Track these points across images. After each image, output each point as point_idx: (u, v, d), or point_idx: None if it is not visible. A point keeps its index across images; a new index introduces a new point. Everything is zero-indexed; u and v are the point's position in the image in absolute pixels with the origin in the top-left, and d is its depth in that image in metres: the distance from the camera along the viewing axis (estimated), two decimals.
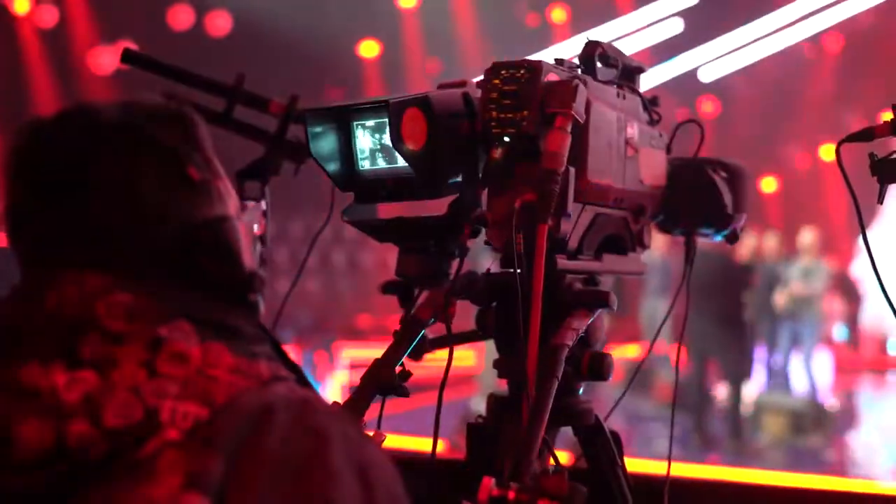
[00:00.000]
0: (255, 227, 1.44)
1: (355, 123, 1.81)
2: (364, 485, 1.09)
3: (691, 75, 15.23)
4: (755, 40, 14.74)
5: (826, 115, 15.23)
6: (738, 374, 9.03)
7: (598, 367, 1.83)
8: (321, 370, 10.88)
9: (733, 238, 2.11)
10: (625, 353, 10.35)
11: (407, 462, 1.30)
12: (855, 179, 1.81)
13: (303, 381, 1.22)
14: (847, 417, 10.68)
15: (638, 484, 1.93)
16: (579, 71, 1.85)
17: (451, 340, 1.73)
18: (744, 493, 2.61)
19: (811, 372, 10.39)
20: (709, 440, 8.89)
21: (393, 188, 1.83)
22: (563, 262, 1.79)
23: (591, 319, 1.78)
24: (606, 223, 1.87)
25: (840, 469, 8.49)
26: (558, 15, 15.16)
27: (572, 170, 1.70)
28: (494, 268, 1.84)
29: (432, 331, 1.87)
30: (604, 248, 1.88)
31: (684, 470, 6.15)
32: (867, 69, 14.66)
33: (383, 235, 1.92)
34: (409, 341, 1.77)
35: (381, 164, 1.81)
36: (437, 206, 1.80)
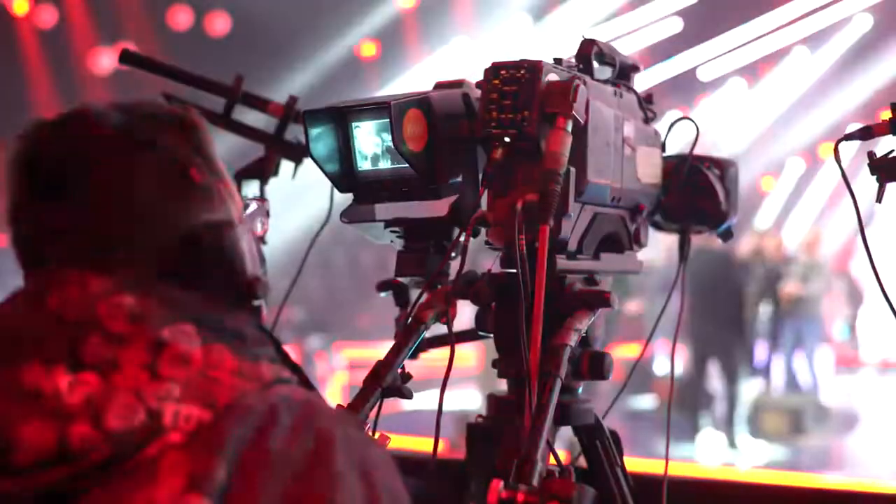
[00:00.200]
0: (259, 227, 1.44)
1: (354, 124, 1.80)
2: (366, 486, 1.09)
3: (690, 74, 15.23)
4: (755, 39, 14.73)
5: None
6: (738, 373, 9.03)
7: (598, 367, 1.83)
8: (321, 370, 10.89)
9: (728, 235, 2.11)
10: (630, 353, 10.36)
11: (408, 462, 1.30)
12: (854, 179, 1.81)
13: (305, 383, 1.22)
14: (847, 416, 10.68)
15: (638, 483, 1.94)
16: (577, 70, 1.85)
17: (452, 340, 1.72)
18: (744, 492, 2.61)
19: (812, 371, 10.40)
20: (708, 440, 8.89)
21: (392, 189, 1.82)
22: (563, 262, 1.79)
23: (592, 319, 1.78)
24: (605, 222, 1.87)
25: (840, 468, 8.49)
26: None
27: (573, 170, 1.70)
28: (495, 268, 1.84)
29: (430, 330, 1.87)
30: (602, 248, 1.88)
31: (682, 469, 6.15)
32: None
33: (383, 236, 1.92)
34: (410, 342, 1.77)
35: (380, 164, 1.81)
36: (437, 207, 1.80)
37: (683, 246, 2.09)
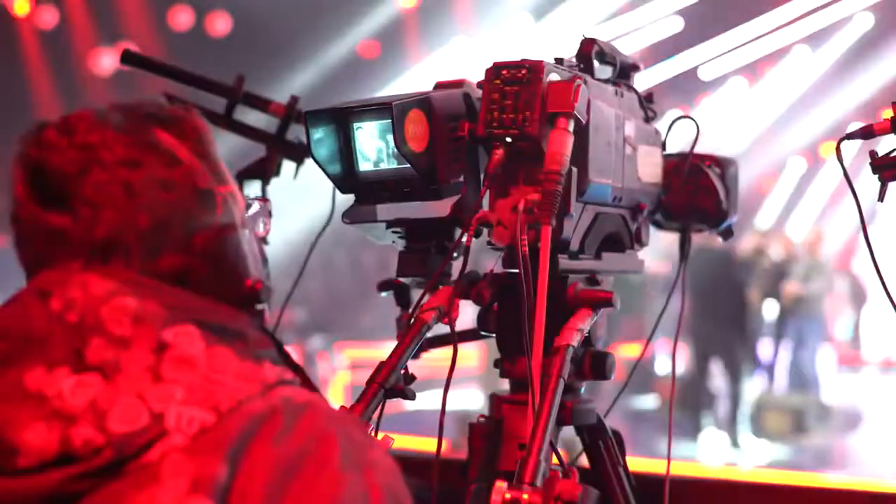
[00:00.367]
0: (261, 227, 1.44)
1: (355, 124, 1.80)
2: (368, 487, 1.09)
3: (692, 74, 15.22)
4: (756, 38, 14.72)
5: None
6: (740, 372, 9.03)
7: (600, 367, 1.83)
8: (323, 370, 10.90)
9: (728, 234, 2.11)
10: (631, 352, 10.37)
11: (410, 463, 1.30)
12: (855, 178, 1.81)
13: (307, 384, 1.22)
14: (850, 416, 10.68)
15: (640, 483, 1.94)
16: (578, 70, 1.84)
17: (455, 340, 1.72)
18: (745, 492, 2.61)
19: (814, 370, 10.39)
20: (710, 439, 8.89)
21: (394, 189, 1.82)
22: (565, 262, 1.79)
23: (595, 319, 1.78)
24: (606, 222, 1.87)
25: (843, 468, 8.49)
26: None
27: (574, 170, 1.70)
28: (497, 268, 1.84)
29: (432, 329, 1.86)
30: (603, 247, 1.88)
31: (684, 469, 6.15)
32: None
33: (385, 236, 1.92)
34: (413, 343, 1.77)
35: (382, 165, 1.81)
36: (439, 207, 1.80)
37: (684, 245, 2.09)
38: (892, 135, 1.76)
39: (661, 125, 2.03)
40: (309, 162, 2.04)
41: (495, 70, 1.71)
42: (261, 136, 2.40)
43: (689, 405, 8.86)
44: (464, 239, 1.70)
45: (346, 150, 1.82)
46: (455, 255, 1.82)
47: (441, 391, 1.65)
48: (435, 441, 1.70)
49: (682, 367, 9.25)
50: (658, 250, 9.60)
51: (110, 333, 1.11)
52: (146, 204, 1.19)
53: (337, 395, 10.36)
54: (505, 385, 1.91)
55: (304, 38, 13.24)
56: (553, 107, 1.66)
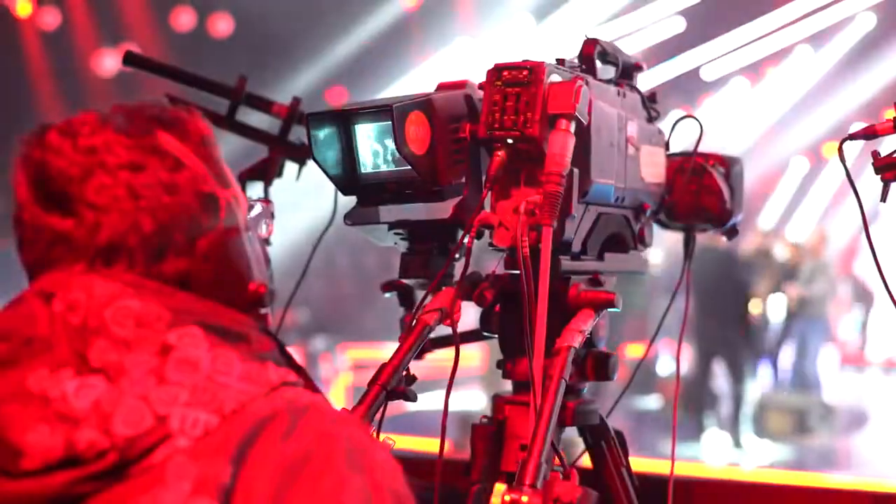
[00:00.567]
0: (263, 228, 1.44)
1: (357, 126, 1.80)
2: (371, 488, 1.09)
3: (694, 74, 15.21)
4: (758, 38, 14.72)
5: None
6: (743, 373, 9.02)
7: (603, 367, 1.83)
8: (325, 372, 10.90)
9: (733, 233, 2.11)
10: (634, 352, 10.36)
11: (413, 463, 1.30)
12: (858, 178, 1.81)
13: (310, 386, 1.22)
14: (853, 416, 10.67)
15: (641, 483, 1.94)
16: (580, 71, 1.84)
17: (457, 342, 1.72)
18: (748, 492, 2.61)
19: (817, 370, 10.39)
20: (713, 439, 8.88)
21: (395, 191, 1.82)
22: (567, 262, 1.79)
23: (597, 320, 1.78)
24: (609, 223, 1.87)
25: (845, 468, 8.48)
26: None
27: (576, 171, 1.70)
28: (498, 269, 1.84)
29: (436, 330, 1.86)
30: (606, 248, 1.88)
31: (687, 469, 6.15)
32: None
33: (387, 238, 1.92)
34: (415, 345, 1.77)
35: (383, 167, 1.81)
36: (441, 209, 1.80)
37: (688, 244, 2.09)
38: (895, 135, 1.76)
39: (663, 125, 2.03)
40: (311, 163, 2.04)
41: (496, 71, 1.71)
42: (263, 137, 2.40)
43: (691, 405, 8.85)
44: (465, 241, 1.70)
45: (348, 152, 1.82)
46: (457, 256, 1.83)
47: (443, 392, 1.66)
48: (437, 441, 1.70)
49: (685, 368, 9.25)
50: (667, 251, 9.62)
51: (114, 336, 1.11)
52: (149, 207, 1.19)
53: (339, 396, 10.35)
54: (508, 386, 1.91)
55: (307, 39, 13.24)
56: (554, 108, 1.66)
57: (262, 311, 1.30)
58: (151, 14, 13.81)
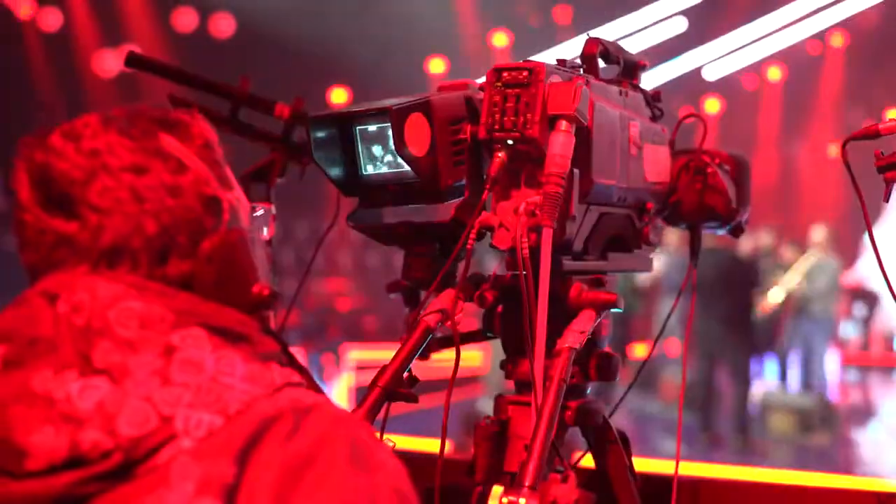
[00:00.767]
0: (265, 230, 1.44)
1: (358, 128, 1.80)
2: (375, 488, 1.09)
3: (696, 74, 15.22)
4: (759, 38, 14.72)
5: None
6: (746, 373, 9.02)
7: (606, 368, 1.83)
8: (328, 372, 10.90)
9: (738, 231, 2.11)
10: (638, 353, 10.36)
11: (416, 463, 1.30)
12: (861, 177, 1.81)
13: (313, 387, 1.22)
14: (854, 415, 10.66)
15: (645, 483, 1.94)
16: (581, 71, 1.84)
17: (458, 343, 1.72)
18: (751, 491, 2.60)
19: (819, 370, 10.38)
20: (716, 439, 8.88)
21: (397, 192, 1.83)
22: (568, 263, 1.79)
23: (598, 321, 1.78)
24: (611, 223, 1.87)
25: (847, 467, 8.48)
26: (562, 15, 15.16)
27: (576, 172, 1.70)
28: (500, 270, 1.84)
29: (441, 329, 1.86)
30: (609, 247, 1.88)
31: (691, 469, 6.15)
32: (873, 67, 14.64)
33: (389, 239, 1.92)
34: (417, 346, 1.77)
35: (384, 168, 1.81)
36: (443, 210, 1.80)
37: (694, 243, 2.09)
38: None
39: (667, 124, 2.03)
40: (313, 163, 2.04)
41: (496, 72, 1.71)
42: (266, 138, 2.40)
43: (695, 405, 8.85)
44: (466, 242, 1.70)
45: (350, 154, 1.83)
46: (459, 257, 1.82)
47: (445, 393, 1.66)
48: (439, 442, 1.70)
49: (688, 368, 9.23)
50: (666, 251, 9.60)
51: (118, 337, 1.12)
52: (153, 210, 1.19)
53: (342, 396, 10.35)
54: (511, 386, 1.91)
55: (308, 39, 13.25)
56: (554, 109, 1.66)
57: (266, 312, 1.30)
58: (153, 15, 13.82)
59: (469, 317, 1.84)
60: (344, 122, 1.81)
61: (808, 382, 10.44)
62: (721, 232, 2.11)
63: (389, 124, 1.73)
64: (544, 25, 15.15)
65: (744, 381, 8.99)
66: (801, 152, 17.03)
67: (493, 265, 1.86)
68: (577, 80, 1.68)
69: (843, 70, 15.62)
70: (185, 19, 14.03)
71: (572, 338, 1.71)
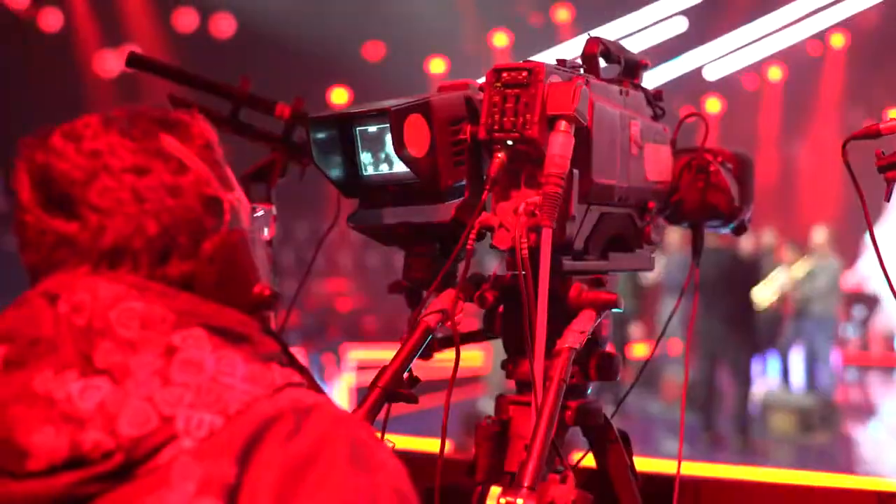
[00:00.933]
0: (265, 231, 1.44)
1: (358, 129, 1.80)
2: (376, 488, 1.10)
3: (696, 74, 15.22)
4: (760, 38, 14.73)
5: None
6: (748, 373, 9.02)
7: (606, 368, 1.83)
8: (328, 372, 10.90)
9: (741, 230, 2.10)
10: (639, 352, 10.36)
11: (415, 464, 1.30)
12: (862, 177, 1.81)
13: (314, 387, 1.22)
14: (855, 415, 10.66)
15: (647, 483, 1.93)
16: (582, 70, 1.84)
17: (458, 343, 1.72)
18: (752, 491, 2.60)
19: (821, 369, 10.38)
20: (717, 439, 8.88)
21: (397, 193, 1.82)
22: (568, 263, 1.79)
23: (598, 321, 1.78)
24: (612, 222, 1.87)
25: (848, 466, 8.48)
26: (562, 14, 15.17)
27: (576, 172, 1.70)
28: (500, 270, 1.84)
29: (442, 329, 1.86)
30: (610, 247, 1.88)
31: (693, 469, 6.14)
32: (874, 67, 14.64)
33: (389, 240, 1.91)
34: (417, 346, 1.77)
35: (384, 169, 1.81)
36: (443, 210, 1.80)
37: (696, 242, 2.08)
38: None
39: (667, 124, 2.03)
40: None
41: (496, 73, 1.71)
42: (266, 138, 2.40)
43: (696, 405, 8.85)
44: (465, 243, 1.70)
45: (350, 155, 1.82)
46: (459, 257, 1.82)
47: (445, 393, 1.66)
48: (439, 442, 1.70)
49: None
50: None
51: (119, 337, 1.12)
52: (154, 210, 1.19)
53: (342, 397, 10.35)
54: (512, 386, 1.91)
55: (309, 39, 13.25)
56: (553, 109, 1.66)
57: (266, 312, 1.30)
58: (153, 15, 13.82)
59: (470, 317, 1.84)
60: (344, 123, 1.81)
61: (809, 382, 10.45)
62: (724, 230, 2.10)
63: (387, 125, 1.73)
64: (544, 25, 15.16)
65: (745, 381, 8.99)
66: (802, 152, 17.03)
67: (493, 265, 1.85)
68: (576, 80, 1.68)
69: (843, 70, 15.62)
70: (186, 19, 14.03)
71: (572, 338, 1.71)
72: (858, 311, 14.25)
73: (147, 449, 1.06)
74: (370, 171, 1.82)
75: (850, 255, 12.96)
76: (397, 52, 14.79)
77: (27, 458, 1.07)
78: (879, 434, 10.12)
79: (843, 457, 9.01)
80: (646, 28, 14.40)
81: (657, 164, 1.95)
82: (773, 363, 11.42)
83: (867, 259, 13.54)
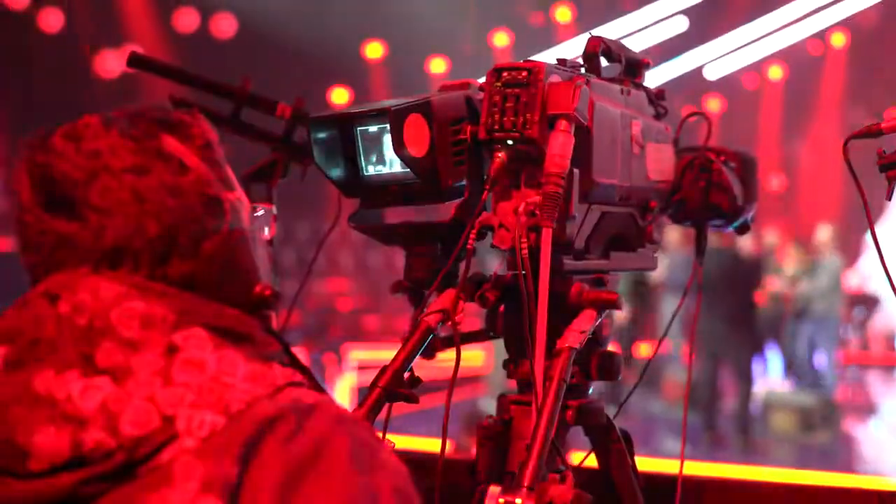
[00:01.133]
0: (266, 230, 1.44)
1: (358, 129, 1.80)
2: (378, 487, 1.10)
3: (697, 73, 15.22)
4: (760, 37, 14.72)
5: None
6: (749, 372, 9.02)
7: (608, 367, 1.83)
8: (329, 372, 10.90)
9: (744, 229, 2.10)
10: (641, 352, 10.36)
11: (416, 464, 1.30)
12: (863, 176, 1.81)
13: (315, 386, 1.22)
14: (856, 414, 10.66)
15: (649, 483, 1.93)
16: (582, 70, 1.84)
17: (459, 343, 1.72)
18: (754, 490, 2.60)
19: (822, 368, 10.38)
20: (719, 439, 8.88)
21: (398, 193, 1.82)
22: (569, 262, 1.79)
23: (599, 320, 1.78)
24: (613, 222, 1.86)
25: (849, 466, 8.48)
26: (563, 14, 15.16)
27: (576, 171, 1.70)
28: (501, 270, 1.83)
29: (445, 329, 1.86)
30: (612, 246, 1.88)
31: (695, 468, 6.15)
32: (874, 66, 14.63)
33: (390, 240, 1.91)
34: (417, 346, 1.77)
35: (385, 169, 1.81)
36: (444, 210, 1.80)
37: (700, 241, 2.08)
38: None
39: (670, 122, 2.03)
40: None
41: (496, 72, 1.71)
42: (267, 138, 2.40)
43: (698, 405, 8.85)
44: (466, 242, 1.70)
45: (350, 155, 1.82)
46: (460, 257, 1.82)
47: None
48: (439, 442, 1.70)
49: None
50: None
51: (120, 337, 1.12)
52: (154, 210, 1.19)
53: (343, 396, 10.36)
54: (514, 385, 1.91)
55: (310, 39, 13.25)
56: (553, 108, 1.66)
57: (267, 312, 1.30)
58: (154, 15, 13.82)
59: (471, 316, 1.84)
60: (344, 123, 1.81)
61: (811, 381, 10.44)
62: (727, 230, 2.10)
63: (387, 125, 1.73)
64: (544, 25, 15.16)
65: (747, 381, 8.99)
66: (802, 151, 17.02)
67: (495, 265, 1.85)
68: (576, 80, 1.68)
69: (844, 70, 15.62)
70: (187, 19, 14.02)
71: (573, 337, 1.71)
72: (858, 311, 14.25)
73: (148, 449, 1.06)
74: (371, 171, 1.82)
75: (850, 254, 12.96)
76: (397, 52, 14.79)
77: (29, 459, 1.07)
78: (880, 433, 10.12)
79: (844, 456, 9.01)
80: (646, 27, 14.39)
81: (659, 163, 1.95)
82: (774, 362, 11.42)
83: (868, 258, 13.53)
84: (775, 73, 16.09)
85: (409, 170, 1.75)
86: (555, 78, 1.69)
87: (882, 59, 14.56)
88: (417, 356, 1.76)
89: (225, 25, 14.14)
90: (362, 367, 10.67)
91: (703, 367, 8.94)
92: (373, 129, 1.79)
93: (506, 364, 1.88)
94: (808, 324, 10.47)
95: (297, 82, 12.30)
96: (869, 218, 1.80)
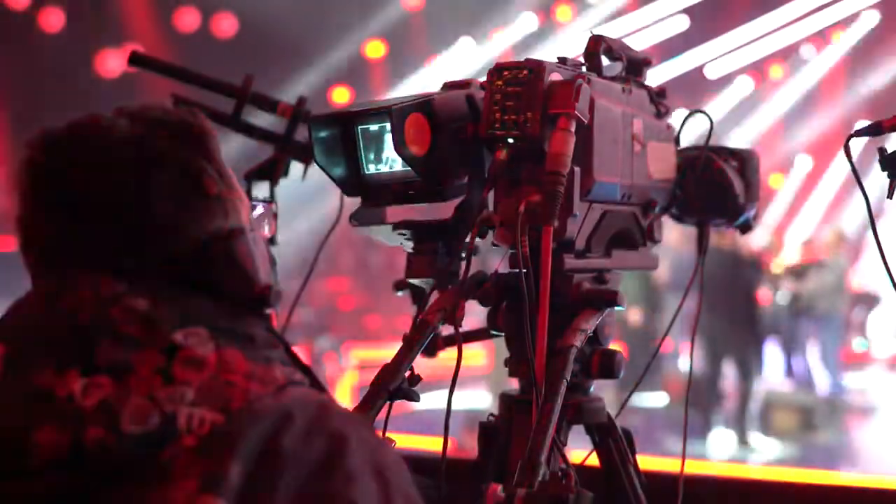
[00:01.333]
0: (266, 229, 1.44)
1: (359, 128, 1.80)
2: (380, 486, 1.10)
3: (697, 73, 15.21)
4: (761, 37, 14.71)
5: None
6: (751, 371, 9.02)
7: (608, 366, 1.83)
8: (331, 372, 10.91)
9: (747, 228, 2.10)
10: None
11: (417, 463, 1.30)
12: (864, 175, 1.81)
13: (316, 385, 1.22)
14: (858, 413, 10.66)
15: (650, 481, 1.93)
16: (583, 68, 1.84)
17: (460, 342, 1.72)
18: (755, 489, 2.60)
19: (823, 367, 10.38)
20: (720, 438, 8.88)
21: (399, 191, 1.82)
22: (570, 261, 1.79)
23: (600, 319, 1.78)
24: (615, 220, 1.86)
25: (851, 465, 8.49)
26: (563, 13, 15.15)
27: (577, 170, 1.70)
28: (502, 268, 1.83)
29: (447, 328, 1.86)
30: (613, 245, 1.88)
31: (696, 467, 6.15)
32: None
33: (392, 238, 1.91)
34: (418, 345, 1.76)
35: (386, 168, 1.81)
36: (446, 209, 1.80)
37: (701, 240, 2.08)
38: None
39: (672, 121, 2.02)
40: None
41: (497, 71, 1.71)
42: (269, 137, 2.40)
43: (698, 403, 8.85)
44: (467, 241, 1.70)
45: (351, 154, 1.82)
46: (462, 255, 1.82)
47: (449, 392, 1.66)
48: (441, 441, 1.70)
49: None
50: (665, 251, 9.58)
51: (120, 335, 1.12)
52: (155, 211, 1.20)
53: (345, 395, 10.37)
54: (515, 384, 1.91)
55: (311, 39, 13.24)
56: (554, 107, 1.66)
57: (268, 311, 1.30)
58: (155, 15, 13.82)
59: (474, 315, 1.84)
60: (345, 122, 1.81)
61: (811, 380, 10.44)
62: (729, 228, 2.10)
63: (388, 124, 1.73)
64: (545, 24, 15.14)
65: (748, 379, 8.98)
66: (802, 151, 17.01)
67: (495, 263, 1.85)
68: (577, 78, 1.68)
69: (844, 69, 15.60)
70: (188, 19, 14.02)
71: (573, 336, 1.71)
72: (859, 311, 14.25)
73: (149, 446, 1.06)
74: (372, 169, 1.82)
75: (850, 254, 12.96)
76: (397, 52, 14.78)
77: (28, 457, 1.07)
78: (882, 432, 10.12)
79: (845, 455, 9.01)
80: (647, 27, 14.38)
81: (660, 161, 1.95)
82: (776, 361, 11.41)
83: (869, 257, 13.53)
84: (776, 72, 16.08)
85: (410, 168, 1.75)
86: (556, 76, 1.69)
87: (884, 58, 14.55)
88: (419, 355, 1.76)
89: (226, 25, 14.13)
90: (363, 367, 10.68)
91: (705, 366, 8.93)
92: (374, 127, 1.79)
93: (507, 362, 1.88)
94: (812, 322, 10.46)
95: (298, 81, 12.33)
96: (870, 215, 1.80)
